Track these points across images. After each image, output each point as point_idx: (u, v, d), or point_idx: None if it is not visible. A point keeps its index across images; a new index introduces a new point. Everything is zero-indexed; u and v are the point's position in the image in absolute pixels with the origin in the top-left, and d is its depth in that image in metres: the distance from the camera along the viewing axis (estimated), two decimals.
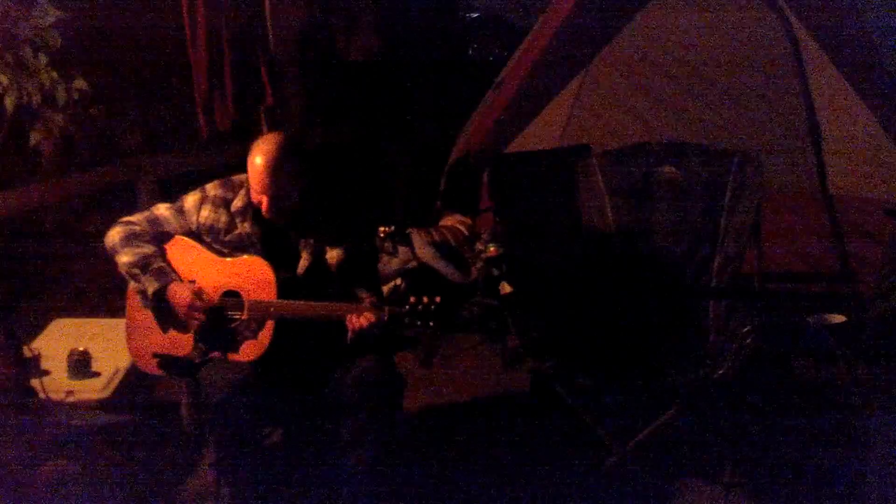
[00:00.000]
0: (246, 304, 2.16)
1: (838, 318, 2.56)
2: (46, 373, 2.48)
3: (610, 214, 2.67)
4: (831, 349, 2.43)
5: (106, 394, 2.46)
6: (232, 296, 2.19)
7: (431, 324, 2.11)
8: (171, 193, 3.42)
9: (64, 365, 2.53)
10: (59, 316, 3.07)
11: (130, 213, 2.32)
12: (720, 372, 2.22)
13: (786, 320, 2.59)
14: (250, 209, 2.24)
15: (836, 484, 2.36)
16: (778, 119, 3.47)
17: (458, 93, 4.61)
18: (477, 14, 5.89)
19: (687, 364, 2.38)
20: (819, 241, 3.36)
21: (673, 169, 2.60)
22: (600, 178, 2.67)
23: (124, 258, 2.20)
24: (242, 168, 2.23)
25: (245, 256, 2.22)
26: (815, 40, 3.32)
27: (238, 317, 2.17)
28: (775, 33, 3.41)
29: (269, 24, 4.06)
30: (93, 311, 3.46)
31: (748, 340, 2.20)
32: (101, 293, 3.72)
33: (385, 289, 3.29)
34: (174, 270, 2.22)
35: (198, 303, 2.14)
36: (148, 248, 2.22)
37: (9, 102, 3.09)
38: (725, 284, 2.50)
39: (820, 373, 2.49)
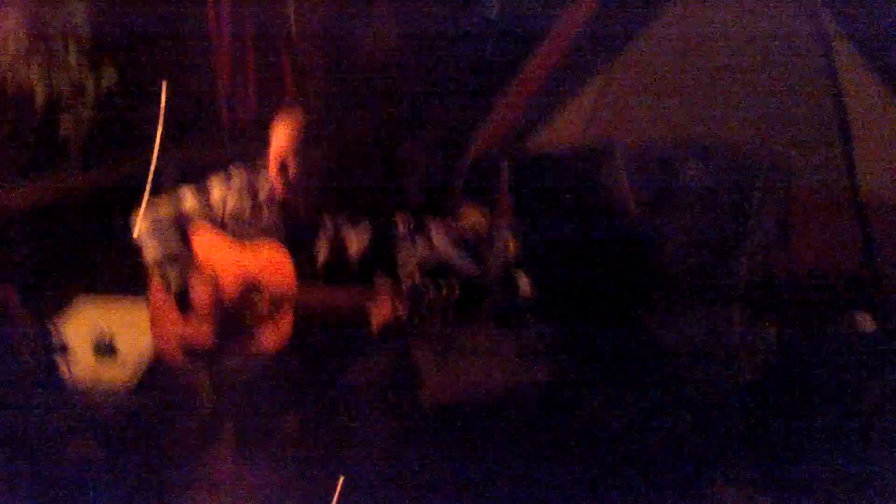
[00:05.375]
0: (266, 295, 2.18)
1: (868, 326, 2.51)
2: (71, 353, 2.50)
3: (634, 215, 2.65)
4: (859, 357, 2.39)
5: (130, 377, 2.48)
6: (252, 286, 2.21)
7: (451, 312, 2.11)
8: (194, 184, 3.47)
9: (88, 346, 2.55)
10: (83, 294, 3.08)
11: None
12: (744, 377, 2.19)
13: (812, 327, 2.55)
14: (276, 195, 2.25)
15: (862, 492, 2.32)
16: (808, 119, 3.42)
17: (477, 89, 4.61)
18: (496, 13, 5.85)
19: (710, 368, 2.35)
20: (847, 245, 3.29)
21: (700, 170, 2.58)
22: (625, 178, 2.65)
23: (150, 248, 2.23)
24: (262, 158, 2.26)
25: (265, 246, 2.23)
26: (847, 38, 3.27)
27: (258, 307, 2.18)
28: (807, 30, 3.37)
29: (291, 17, 4.08)
30: (115, 291, 3.50)
31: (773, 347, 2.17)
32: (124, 279, 3.77)
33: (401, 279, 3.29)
34: (197, 265, 2.24)
35: (218, 303, 2.16)
36: (173, 241, 2.24)
37: (39, 94, 3.14)
38: (751, 287, 2.47)
39: (847, 380, 2.44)
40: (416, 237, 3.30)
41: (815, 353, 2.56)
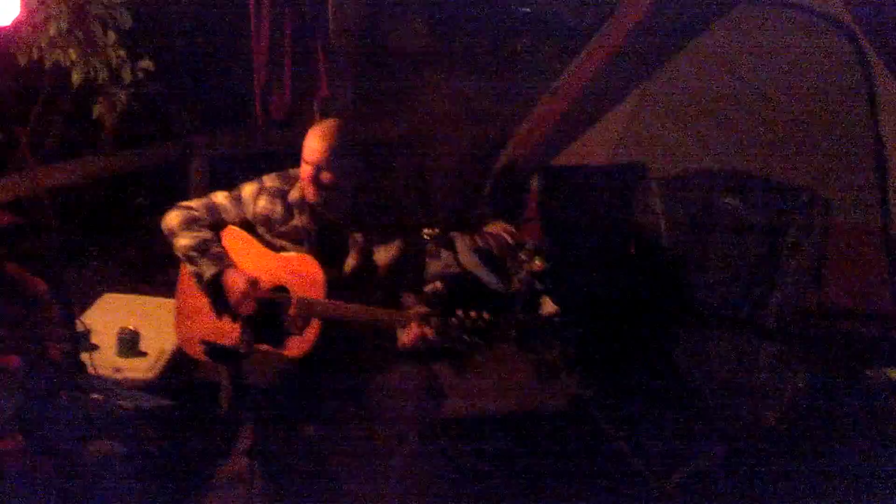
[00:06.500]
0: (294, 301, 2.17)
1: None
2: (96, 348, 2.52)
3: (665, 241, 2.63)
4: (888, 405, 2.35)
5: (152, 374, 2.50)
6: (280, 291, 2.21)
7: (479, 341, 2.10)
8: (222, 174, 3.47)
9: (113, 341, 2.57)
10: (109, 290, 3.12)
11: (183, 190, 2.35)
12: (770, 417, 2.16)
13: (843, 370, 2.51)
14: (307, 202, 2.25)
15: None
16: (843, 152, 3.38)
17: (505, 89, 4.58)
18: (528, 9, 5.80)
19: (736, 404, 2.32)
20: (877, 281, 3.26)
21: (736, 201, 2.54)
22: (658, 202, 2.62)
23: (183, 241, 2.23)
24: (293, 154, 2.25)
25: (296, 253, 2.23)
26: (891, 75, 3.22)
27: (285, 312, 2.18)
28: (849, 65, 3.32)
29: (330, 14, 4.06)
30: (139, 284, 3.53)
31: (802, 386, 2.14)
32: (147, 266, 3.80)
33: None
34: (228, 264, 2.23)
35: (251, 292, 2.15)
36: (206, 233, 2.25)
37: (75, 77, 3.14)
38: (782, 325, 2.43)
39: (874, 429, 2.40)
40: (442, 251, 3.29)
41: (845, 395, 2.52)
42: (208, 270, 2.19)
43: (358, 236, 2.25)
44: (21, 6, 2.47)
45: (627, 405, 2.35)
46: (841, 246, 3.21)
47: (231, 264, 2.21)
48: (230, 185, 2.35)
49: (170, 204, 2.32)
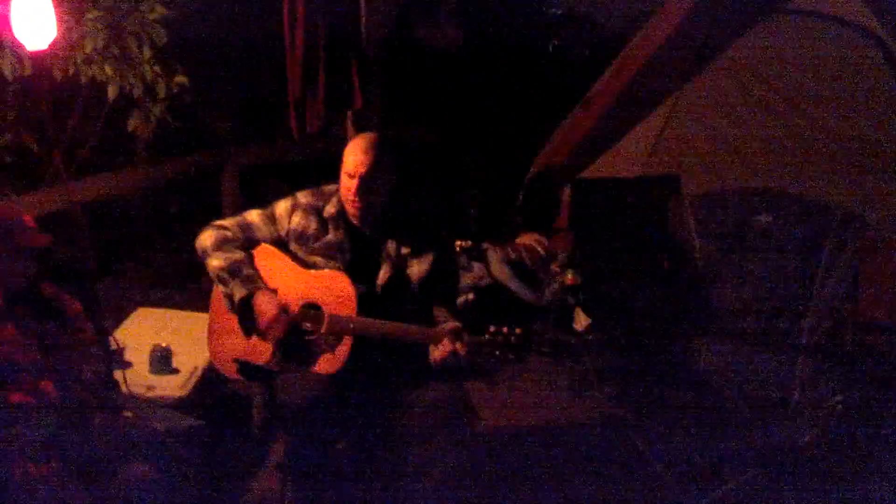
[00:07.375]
0: (326, 318, 2.18)
1: None
2: (129, 365, 2.55)
3: (699, 257, 2.59)
4: None
5: (184, 392, 2.52)
6: (312, 308, 2.22)
7: (511, 356, 2.09)
8: (254, 185, 3.50)
9: (145, 358, 2.60)
10: (143, 300, 3.16)
11: (215, 201, 2.36)
12: (805, 439, 2.12)
13: (878, 390, 2.45)
14: (342, 217, 2.26)
15: None
16: (881, 164, 3.29)
17: (538, 93, 4.55)
18: (561, 11, 5.76)
19: (769, 425, 2.28)
20: None
21: (770, 219, 2.50)
22: (692, 219, 2.59)
23: (215, 262, 2.25)
24: (325, 165, 2.26)
25: (327, 270, 2.24)
26: None
27: (317, 330, 2.19)
28: (882, 76, 3.23)
29: (362, 25, 4.07)
30: (172, 293, 3.57)
31: (838, 408, 2.09)
32: (180, 275, 3.85)
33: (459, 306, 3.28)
34: (262, 279, 2.25)
35: (282, 317, 2.17)
36: (238, 254, 2.25)
37: (111, 91, 3.20)
38: (816, 344, 2.39)
39: None
40: (474, 263, 3.28)
41: (882, 414, 2.45)
42: (238, 292, 2.21)
43: (391, 250, 2.26)
44: (57, 25, 2.51)
45: (660, 422, 2.31)
46: (876, 261, 3.13)
47: (261, 287, 2.21)
48: (262, 195, 2.37)
49: (201, 215, 2.33)
